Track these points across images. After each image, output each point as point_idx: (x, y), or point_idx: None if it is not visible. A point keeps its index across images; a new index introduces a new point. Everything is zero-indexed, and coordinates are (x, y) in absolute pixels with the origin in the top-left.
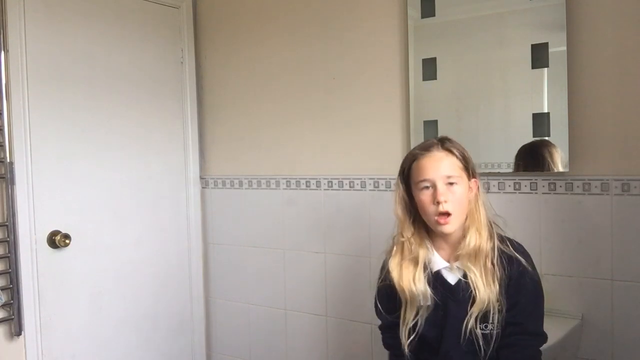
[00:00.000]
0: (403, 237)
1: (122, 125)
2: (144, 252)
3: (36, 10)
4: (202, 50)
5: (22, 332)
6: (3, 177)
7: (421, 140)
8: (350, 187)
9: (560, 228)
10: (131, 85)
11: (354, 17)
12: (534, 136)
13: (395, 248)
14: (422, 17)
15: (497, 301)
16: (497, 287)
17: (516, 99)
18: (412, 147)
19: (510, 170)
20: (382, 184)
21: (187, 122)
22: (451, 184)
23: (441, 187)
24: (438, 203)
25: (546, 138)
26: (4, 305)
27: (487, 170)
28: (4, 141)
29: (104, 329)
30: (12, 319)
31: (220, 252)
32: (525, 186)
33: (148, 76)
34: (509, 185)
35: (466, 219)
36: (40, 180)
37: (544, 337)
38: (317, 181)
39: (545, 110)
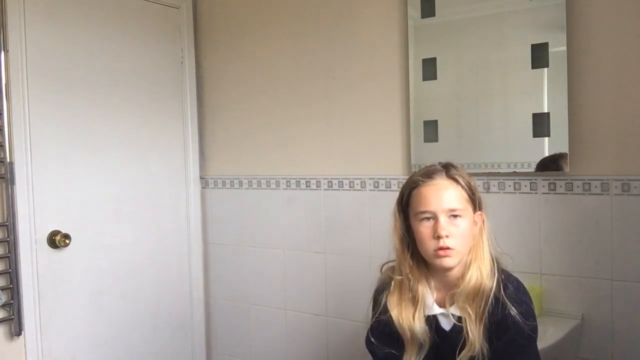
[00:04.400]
0: (401, 274)
1: (121, 125)
2: (144, 252)
3: (36, 10)
4: (202, 50)
5: (22, 332)
6: (3, 177)
7: (421, 140)
8: (350, 187)
9: (560, 228)
10: (131, 85)
11: (353, 17)
12: (534, 136)
13: (392, 285)
14: (422, 17)
15: (480, 346)
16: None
17: (516, 99)
18: (412, 146)
19: (510, 170)
20: (382, 184)
21: (187, 122)
22: (455, 216)
23: (443, 220)
24: (439, 237)
25: (564, 152)
26: (4, 305)
27: (487, 170)
28: (4, 141)
29: (104, 329)
30: (12, 319)
31: (220, 252)
32: (525, 186)
33: (148, 76)
34: (509, 185)
35: (468, 254)
36: (40, 180)
37: None
38: (317, 181)
39: (545, 110)
